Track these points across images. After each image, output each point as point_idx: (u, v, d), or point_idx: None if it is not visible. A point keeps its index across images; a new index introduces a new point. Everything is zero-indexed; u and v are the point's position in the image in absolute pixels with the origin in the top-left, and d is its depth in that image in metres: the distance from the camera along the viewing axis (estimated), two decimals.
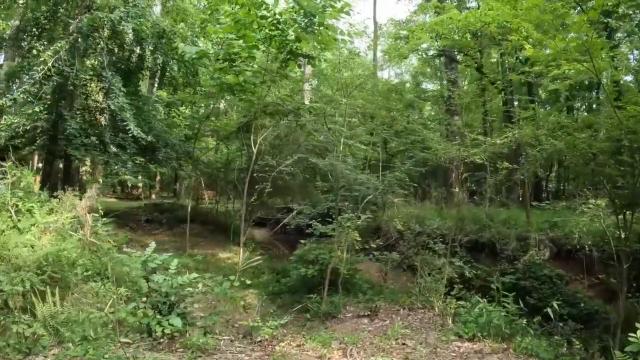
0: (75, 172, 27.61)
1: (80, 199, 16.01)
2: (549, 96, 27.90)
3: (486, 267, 17.08)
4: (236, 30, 15.18)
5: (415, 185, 18.18)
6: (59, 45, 17.74)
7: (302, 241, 16.09)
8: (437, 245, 14.31)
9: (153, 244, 11.17)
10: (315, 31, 15.00)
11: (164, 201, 27.26)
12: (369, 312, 12.10)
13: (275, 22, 15.24)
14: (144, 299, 9.03)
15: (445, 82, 27.71)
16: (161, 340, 8.72)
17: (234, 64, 15.82)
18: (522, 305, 11.24)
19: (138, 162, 20.77)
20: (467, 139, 13.94)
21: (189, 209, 20.67)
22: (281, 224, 22.87)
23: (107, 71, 18.44)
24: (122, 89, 18.14)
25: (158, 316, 8.70)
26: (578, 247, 16.00)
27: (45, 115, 18.69)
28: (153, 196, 30.31)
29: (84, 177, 23.08)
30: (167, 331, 8.44)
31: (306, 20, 15.66)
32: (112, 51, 20.47)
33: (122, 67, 21.01)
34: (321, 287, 13.23)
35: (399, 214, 17.14)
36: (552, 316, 10.06)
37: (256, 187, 21.96)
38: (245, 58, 15.78)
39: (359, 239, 14.49)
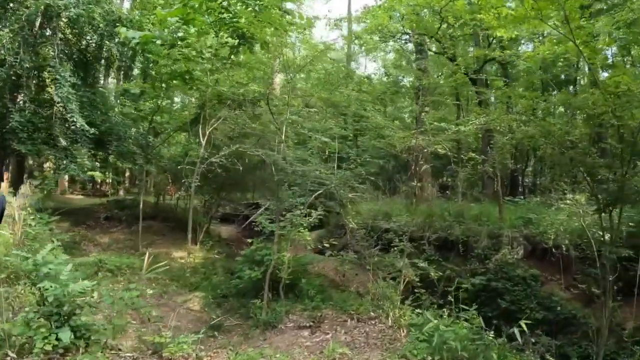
0: (37, 168, 25.37)
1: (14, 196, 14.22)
2: (523, 78, 25.31)
3: (456, 266, 15.01)
4: (184, 13, 13.16)
5: (374, 179, 15.92)
6: (1, 34, 15.54)
7: (249, 240, 13.91)
8: (402, 244, 12.14)
9: (49, 246, 8.90)
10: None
11: (127, 197, 24.94)
12: (312, 323, 9.95)
13: (225, 4, 13.16)
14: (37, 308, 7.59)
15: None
16: (52, 356, 7.00)
17: (181, 50, 13.72)
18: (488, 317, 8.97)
19: (89, 156, 18.56)
20: (427, 126, 11.69)
21: (141, 206, 18.51)
22: (248, 220, 20.61)
23: (57, 61, 16.22)
24: (68, 79, 16.03)
25: (43, 330, 7.10)
26: (554, 245, 13.96)
27: None
28: (121, 192, 27.98)
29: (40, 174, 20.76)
30: (47, 347, 6.82)
31: (259, 3, 13.58)
32: (68, 41, 18.21)
33: (79, 57, 18.98)
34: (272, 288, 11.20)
35: (358, 211, 14.92)
36: (519, 339, 7.71)
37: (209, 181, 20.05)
38: (194, 44, 13.72)
39: (309, 238, 12.34)
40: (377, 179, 20.28)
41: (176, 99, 22.19)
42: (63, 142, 16.70)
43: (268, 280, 11.10)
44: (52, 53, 16.55)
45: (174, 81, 16.10)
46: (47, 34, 17.43)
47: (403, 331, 8.82)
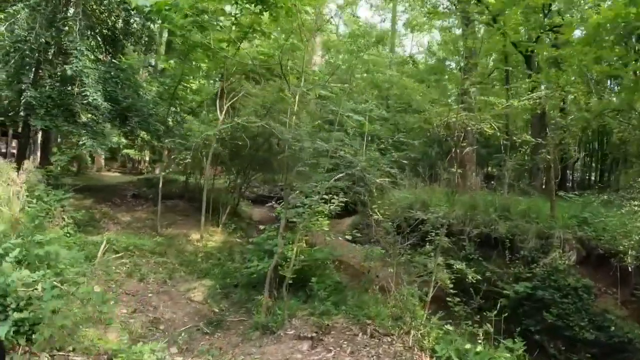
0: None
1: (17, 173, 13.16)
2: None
3: (497, 268, 12.55)
4: None
5: (414, 165, 13.52)
6: (15, 8, 14.18)
7: (262, 227, 11.85)
8: (438, 238, 9.81)
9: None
10: None
11: (157, 176, 23.32)
12: (315, 333, 7.78)
13: None
14: None
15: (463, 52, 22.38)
16: None
17: (195, 19, 11.73)
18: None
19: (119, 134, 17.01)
20: (471, 100, 9.15)
21: (160, 185, 16.90)
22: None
23: (76, 35, 14.62)
24: (85, 53, 14.40)
25: None
26: (613, 252, 11.31)
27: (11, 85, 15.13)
28: (157, 171, 26.40)
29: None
30: None
31: None
32: (96, 17, 16.82)
33: (107, 34, 17.52)
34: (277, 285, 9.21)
35: (389, 199, 12.53)
36: None
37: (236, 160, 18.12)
38: (213, 12, 11.71)
39: (327, 228, 10.14)
40: (418, 165, 17.88)
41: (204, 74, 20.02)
42: (83, 118, 15.11)
43: (270, 278, 9.02)
44: (75, 28, 14.94)
45: (193, 53, 14.11)
46: (71, 10, 15.99)
47: (425, 357, 6.51)
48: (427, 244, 10.13)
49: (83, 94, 14.08)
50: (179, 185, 20.57)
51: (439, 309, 8.77)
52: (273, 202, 19.35)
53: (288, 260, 8.95)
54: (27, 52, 14.29)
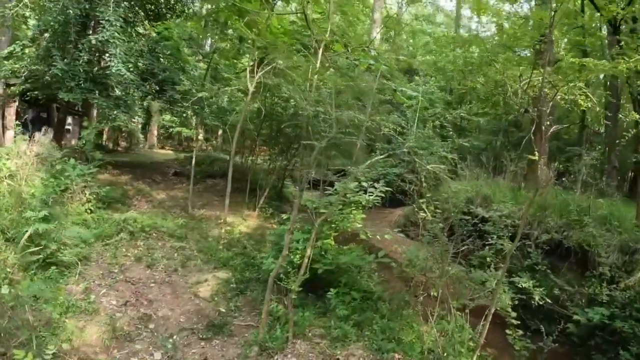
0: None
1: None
2: None
3: (567, 284, 9.64)
4: None
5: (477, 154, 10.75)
6: None
7: (284, 215, 9.56)
8: (499, 242, 7.19)
9: None
10: None
11: (204, 154, 21.48)
12: None
13: None
14: None
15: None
16: None
17: None
18: None
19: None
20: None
21: (194, 162, 14.88)
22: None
23: (109, 7, 12.87)
24: (113, 23, 12.61)
25: None
26: None
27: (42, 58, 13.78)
28: (209, 149, 24.67)
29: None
30: None
31: None
32: None
33: (150, 7, 15.88)
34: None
35: (445, 191, 9.78)
36: None
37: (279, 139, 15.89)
38: None
39: (359, 224, 7.65)
40: (481, 155, 14.93)
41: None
42: (117, 92, 13.44)
43: (270, 287, 6.63)
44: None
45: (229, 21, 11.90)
46: None
47: None
48: (486, 247, 7.52)
49: (108, 64, 12.46)
50: (220, 164, 18.52)
51: (492, 342, 6.12)
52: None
53: (296, 265, 6.51)
54: (56, 26, 12.99)
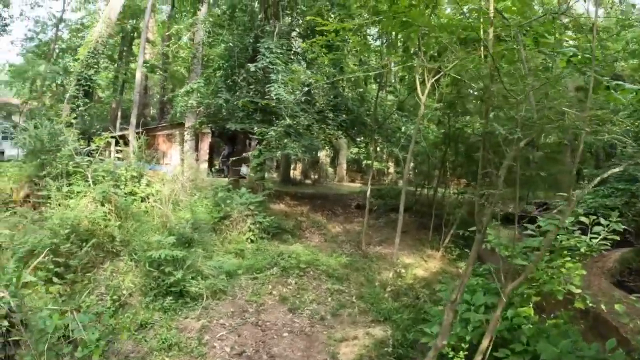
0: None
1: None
2: None
3: None
4: None
5: None
6: (195, 18, 14.27)
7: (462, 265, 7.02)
8: None
9: None
10: None
11: (386, 186, 19.56)
12: None
13: None
14: None
15: None
16: None
17: None
18: None
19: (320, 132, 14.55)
20: None
21: (369, 193, 12.99)
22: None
23: (270, 38, 12.92)
24: (273, 50, 12.41)
25: None
26: None
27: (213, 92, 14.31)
28: (400, 182, 22.68)
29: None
30: None
31: None
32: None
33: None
34: None
35: None
36: None
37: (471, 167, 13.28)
38: None
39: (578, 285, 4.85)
40: None
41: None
42: (288, 120, 12.65)
43: None
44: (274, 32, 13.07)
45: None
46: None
47: None
48: None
49: (267, 89, 11.92)
50: (410, 196, 16.42)
51: None
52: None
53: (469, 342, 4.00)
54: (223, 62, 13.65)
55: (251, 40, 13.32)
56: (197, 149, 18.04)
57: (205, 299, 7.58)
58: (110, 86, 33.72)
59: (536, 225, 5.75)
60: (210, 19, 15.27)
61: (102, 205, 8.77)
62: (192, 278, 7.82)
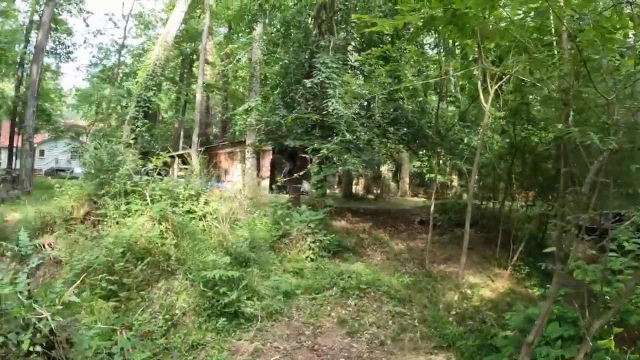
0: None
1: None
2: None
3: None
4: None
5: None
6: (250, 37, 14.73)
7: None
8: None
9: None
10: None
11: (452, 200, 18.60)
12: None
13: None
14: None
15: None
16: None
17: None
18: None
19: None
20: None
21: (432, 208, 12.47)
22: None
23: (325, 52, 12.75)
24: (329, 65, 12.10)
25: None
26: None
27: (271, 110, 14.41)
28: (464, 196, 21.67)
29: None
30: None
31: None
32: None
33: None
34: None
35: None
36: None
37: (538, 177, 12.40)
38: None
39: None
40: None
41: None
42: (347, 135, 12.42)
43: None
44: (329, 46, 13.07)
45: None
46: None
47: None
48: None
49: (324, 104, 11.58)
50: (475, 210, 15.59)
51: None
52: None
53: None
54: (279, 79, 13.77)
55: (306, 57, 13.29)
56: (258, 166, 18.17)
57: (260, 320, 7.35)
58: (172, 107, 35.04)
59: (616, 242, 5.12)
60: (264, 37, 15.36)
61: (160, 223, 8.77)
62: (248, 298, 7.64)
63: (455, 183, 22.98)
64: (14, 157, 25.64)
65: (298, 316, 7.99)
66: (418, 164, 24.05)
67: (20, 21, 31.32)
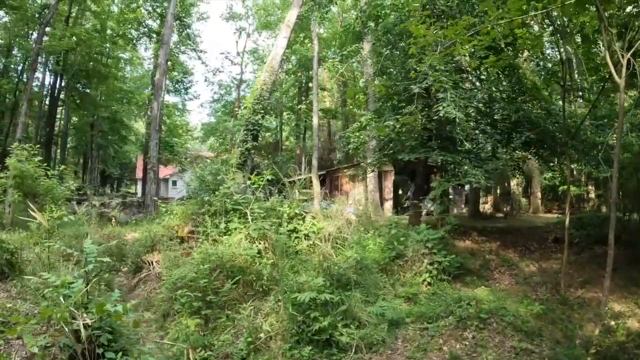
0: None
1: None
2: None
3: None
4: None
5: None
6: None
7: None
8: None
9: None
10: None
11: (591, 214, 16.15)
12: None
13: None
14: None
15: None
16: None
17: None
18: None
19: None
20: None
21: (567, 222, 10.96)
22: None
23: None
24: (437, 68, 11.10)
25: None
26: None
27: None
28: (603, 208, 18.86)
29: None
30: None
31: None
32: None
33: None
34: None
35: None
36: None
37: None
38: None
39: None
40: None
41: None
42: (467, 145, 11.82)
43: None
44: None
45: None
46: None
47: None
48: None
49: (436, 109, 10.79)
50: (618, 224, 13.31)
51: None
52: None
53: None
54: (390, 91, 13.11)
55: (413, 65, 12.44)
56: (380, 187, 17.79)
57: (355, 351, 6.52)
58: (293, 134, 36.28)
59: None
60: (367, 52, 15.01)
61: (258, 242, 8.54)
62: (344, 325, 6.90)
63: (592, 195, 20.28)
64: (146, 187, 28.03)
65: (403, 349, 7.07)
66: (549, 175, 21.64)
67: (146, 67, 35.10)
